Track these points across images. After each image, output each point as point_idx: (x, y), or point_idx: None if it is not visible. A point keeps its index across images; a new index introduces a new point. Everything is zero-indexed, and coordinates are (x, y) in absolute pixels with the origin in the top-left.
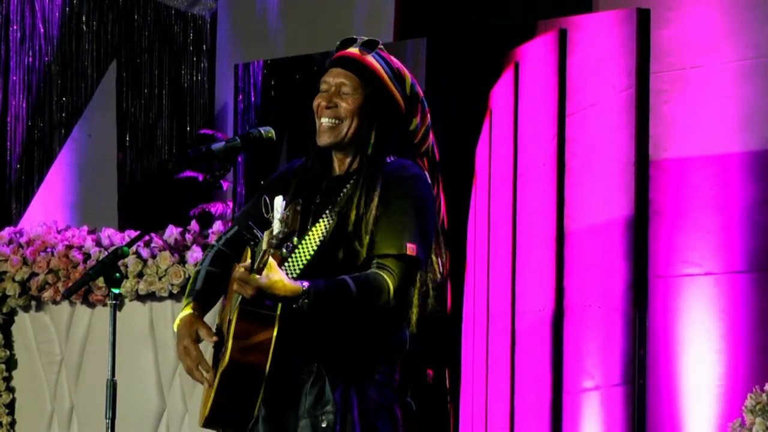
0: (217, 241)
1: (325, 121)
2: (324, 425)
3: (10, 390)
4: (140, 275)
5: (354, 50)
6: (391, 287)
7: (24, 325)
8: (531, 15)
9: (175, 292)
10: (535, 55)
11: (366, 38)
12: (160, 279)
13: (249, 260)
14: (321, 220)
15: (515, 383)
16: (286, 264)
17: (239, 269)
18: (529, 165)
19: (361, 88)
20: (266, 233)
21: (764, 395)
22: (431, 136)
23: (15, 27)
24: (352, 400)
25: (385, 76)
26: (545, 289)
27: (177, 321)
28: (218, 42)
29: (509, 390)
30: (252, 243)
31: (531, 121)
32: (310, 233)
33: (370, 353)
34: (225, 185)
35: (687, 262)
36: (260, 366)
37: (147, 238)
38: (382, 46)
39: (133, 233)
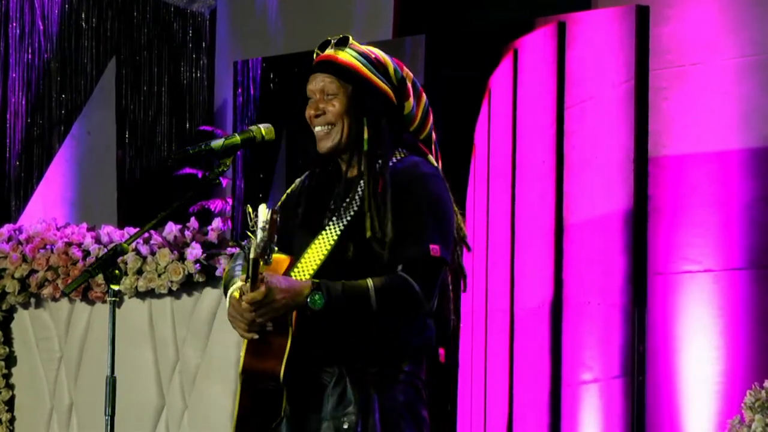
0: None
1: (318, 129)
2: (345, 427)
3: (10, 387)
4: (139, 272)
5: (329, 52)
6: (419, 291)
7: (23, 322)
8: (529, 12)
9: (174, 288)
10: (534, 45)
11: (338, 36)
12: (159, 276)
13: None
14: (328, 227)
15: (514, 375)
16: (295, 269)
17: (242, 303)
18: (527, 157)
19: (343, 87)
20: (252, 243)
21: (763, 392)
22: (431, 117)
23: (14, 24)
24: (373, 402)
25: (364, 69)
26: (544, 285)
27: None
28: (218, 39)
29: (508, 381)
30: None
31: (530, 112)
32: (318, 240)
33: (393, 355)
34: (224, 182)
35: (686, 259)
36: (275, 373)
37: (146, 235)
38: (353, 41)
39: (133, 230)
